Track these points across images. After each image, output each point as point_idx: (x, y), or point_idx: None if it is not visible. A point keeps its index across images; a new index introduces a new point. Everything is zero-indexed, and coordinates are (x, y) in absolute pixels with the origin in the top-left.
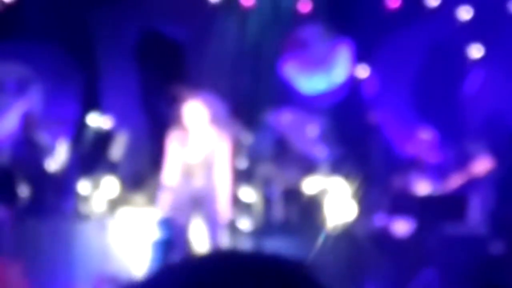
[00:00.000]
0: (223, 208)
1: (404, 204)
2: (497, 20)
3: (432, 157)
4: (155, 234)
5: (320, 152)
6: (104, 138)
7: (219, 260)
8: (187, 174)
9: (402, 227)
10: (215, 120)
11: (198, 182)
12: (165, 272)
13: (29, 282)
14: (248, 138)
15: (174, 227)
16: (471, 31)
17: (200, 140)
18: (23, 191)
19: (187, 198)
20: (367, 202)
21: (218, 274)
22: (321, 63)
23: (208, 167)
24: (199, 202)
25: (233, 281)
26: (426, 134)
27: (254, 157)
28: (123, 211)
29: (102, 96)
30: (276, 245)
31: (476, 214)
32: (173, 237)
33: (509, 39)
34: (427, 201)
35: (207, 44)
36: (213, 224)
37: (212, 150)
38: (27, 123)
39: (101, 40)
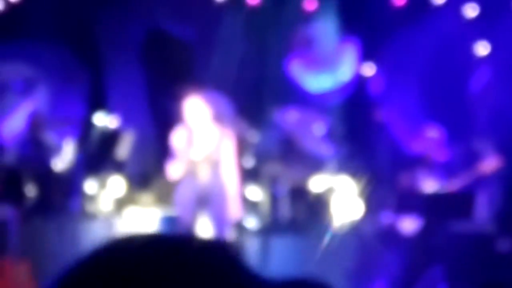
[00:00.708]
0: (233, 205)
1: (411, 202)
2: (503, 17)
3: (439, 155)
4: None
5: (327, 150)
6: (110, 138)
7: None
8: (192, 171)
9: (409, 225)
10: (220, 118)
11: (203, 179)
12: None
13: (36, 281)
14: (254, 136)
15: (180, 226)
16: (477, 29)
17: (204, 138)
18: (30, 190)
19: (192, 196)
20: (374, 200)
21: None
22: (327, 61)
23: (213, 164)
24: (205, 200)
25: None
26: (433, 132)
27: (261, 155)
28: (129, 211)
29: (109, 96)
30: (283, 244)
31: (483, 212)
32: None
33: None
34: (434, 199)
35: (213, 42)
36: (219, 222)
37: (217, 148)
38: (33, 123)
39: (107, 39)
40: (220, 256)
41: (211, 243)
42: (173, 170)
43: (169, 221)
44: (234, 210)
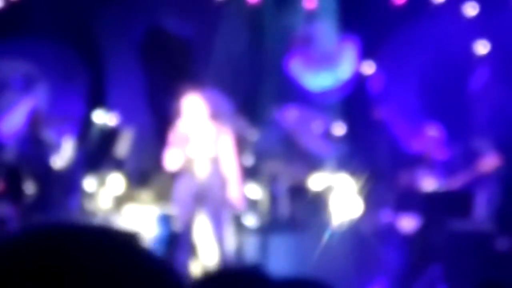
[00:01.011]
0: (235, 199)
1: (410, 200)
2: (502, 16)
3: (438, 153)
4: (155, 230)
5: (326, 148)
6: (110, 135)
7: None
8: (190, 169)
9: (408, 223)
10: (219, 115)
11: (202, 177)
12: None
13: None
14: (254, 134)
15: (178, 223)
16: (477, 27)
17: (203, 135)
18: (29, 188)
19: (191, 193)
20: (373, 198)
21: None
22: (327, 59)
23: (211, 161)
24: (203, 198)
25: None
26: (432, 131)
27: (260, 153)
28: (129, 208)
29: (108, 93)
30: (282, 242)
31: (482, 210)
32: (177, 233)
33: None
34: (433, 197)
35: (213, 41)
36: (217, 219)
37: (215, 145)
38: (33, 120)
39: (107, 37)
40: (124, 247)
41: (114, 234)
42: (170, 161)
43: (168, 218)
44: (237, 202)
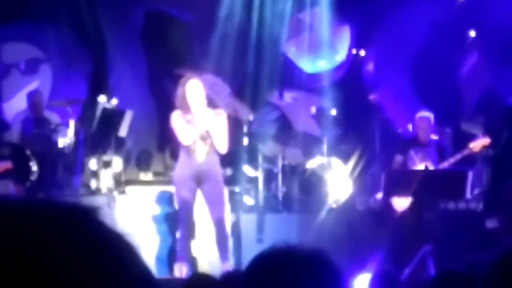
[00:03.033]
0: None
1: (403, 181)
2: (491, 2)
3: (430, 135)
4: (156, 209)
5: (321, 130)
6: (112, 117)
7: None
8: (189, 150)
9: (400, 203)
10: (216, 98)
11: (200, 158)
12: None
13: None
14: (251, 116)
15: (178, 203)
16: (467, 13)
17: (201, 118)
18: (33, 168)
19: (190, 174)
20: (367, 179)
21: None
22: (322, 44)
23: (209, 143)
24: (202, 178)
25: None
26: (424, 113)
27: (256, 135)
28: (130, 189)
29: (110, 76)
30: (278, 220)
31: (472, 190)
32: (176, 212)
33: (502, 19)
34: (425, 178)
35: (212, 25)
36: (215, 200)
37: (213, 127)
38: (37, 102)
39: (109, 21)
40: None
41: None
42: (185, 136)
43: (168, 198)
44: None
